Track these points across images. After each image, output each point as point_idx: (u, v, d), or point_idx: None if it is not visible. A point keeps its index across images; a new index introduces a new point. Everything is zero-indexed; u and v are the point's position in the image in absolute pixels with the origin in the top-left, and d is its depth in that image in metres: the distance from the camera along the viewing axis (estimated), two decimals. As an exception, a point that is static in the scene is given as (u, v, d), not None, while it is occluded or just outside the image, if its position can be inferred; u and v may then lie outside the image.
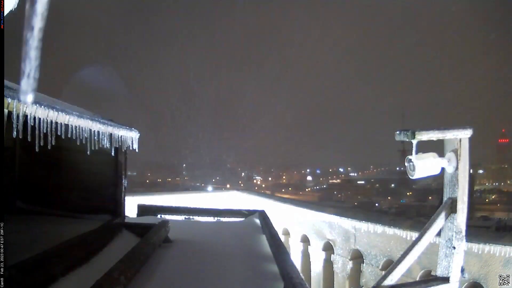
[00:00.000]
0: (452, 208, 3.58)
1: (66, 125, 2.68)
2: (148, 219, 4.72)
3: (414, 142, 3.26)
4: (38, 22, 0.51)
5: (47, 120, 2.40)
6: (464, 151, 3.55)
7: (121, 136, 3.74)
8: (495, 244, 4.47)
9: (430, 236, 3.60)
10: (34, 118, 2.29)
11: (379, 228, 6.09)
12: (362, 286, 6.44)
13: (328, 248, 7.36)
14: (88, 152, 3.05)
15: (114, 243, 3.88)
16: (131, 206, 5.34)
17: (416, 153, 3.33)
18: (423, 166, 3.37)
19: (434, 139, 3.40)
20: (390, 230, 5.87)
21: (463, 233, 3.58)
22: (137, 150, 4.10)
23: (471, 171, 3.93)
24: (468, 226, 3.68)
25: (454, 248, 3.55)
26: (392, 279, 3.43)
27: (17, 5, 1.93)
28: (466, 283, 4.63)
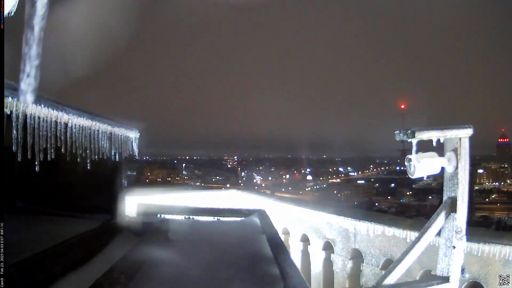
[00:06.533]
0: (452, 207, 3.58)
1: (66, 124, 2.67)
2: (148, 219, 4.72)
3: (414, 141, 3.25)
4: (38, 22, 0.51)
5: (47, 119, 2.40)
6: (464, 151, 3.54)
7: (121, 135, 3.73)
8: (495, 244, 4.46)
9: (430, 235, 3.60)
10: (34, 117, 2.28)
11: (379, 228, 6.08)
12: (362, 286, 6.44)
13: (328, 247, 7.36)
14: (88, 152, 3.04)
15: (114, 243, 3.88)
16: (131, 206, 5.33)
17: (416, 152, 3.32)
18: (423, 165, 3.37)
19: (434, 138, 3.39)
20: (390, 230, 5.86)
21: (463, 232, 3.57)
22: (136, 151, 4.08)
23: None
24: (468, 225, 3.67)
25: (454, 247, 3.55)
26: (392, 278, 3.43)
27: (17, 5, 1.92)
28: (466, 283, 4.62)
